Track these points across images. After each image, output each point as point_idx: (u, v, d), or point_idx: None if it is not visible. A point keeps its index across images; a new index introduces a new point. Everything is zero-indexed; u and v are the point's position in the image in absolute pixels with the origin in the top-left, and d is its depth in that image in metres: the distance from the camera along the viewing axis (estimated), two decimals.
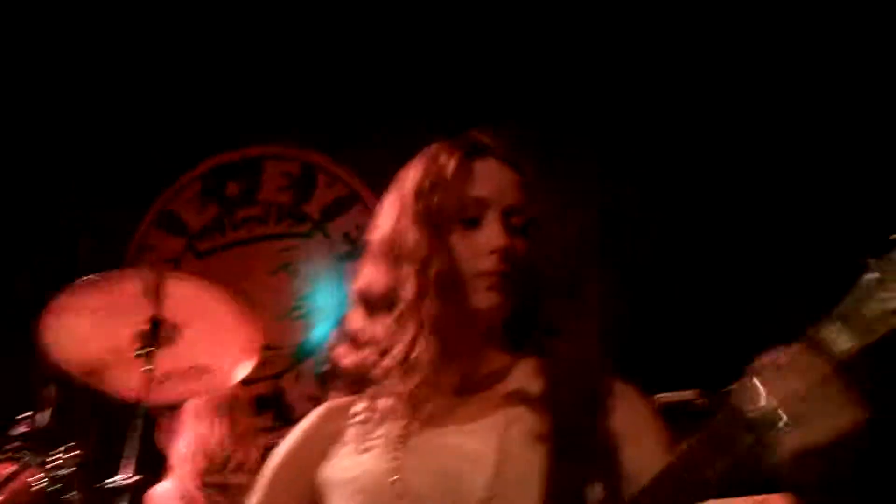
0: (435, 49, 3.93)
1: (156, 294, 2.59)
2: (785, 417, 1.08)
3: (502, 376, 1.40)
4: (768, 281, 3.65)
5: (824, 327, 1.07)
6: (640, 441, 1.32)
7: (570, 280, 1.44)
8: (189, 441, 3.09)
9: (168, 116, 4.27)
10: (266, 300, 4.11)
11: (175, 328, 2.66)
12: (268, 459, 1.48)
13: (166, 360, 2.61)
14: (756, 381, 1.11)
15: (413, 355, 1.36)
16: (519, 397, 1.36)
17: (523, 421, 1.32)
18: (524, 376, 1.39)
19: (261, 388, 3.99)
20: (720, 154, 3.71)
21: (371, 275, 1.43)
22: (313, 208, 4.27)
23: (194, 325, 2.68)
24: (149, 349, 2.55)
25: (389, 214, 1.44)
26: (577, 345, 1.40)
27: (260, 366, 3.98)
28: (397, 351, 1.37)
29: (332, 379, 1.49)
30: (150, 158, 4.30)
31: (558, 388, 1.35)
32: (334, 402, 1.48)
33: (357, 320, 1.44)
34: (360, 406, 1.43)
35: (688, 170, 3.78)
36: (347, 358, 1.45)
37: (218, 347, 2.75)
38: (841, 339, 1.06)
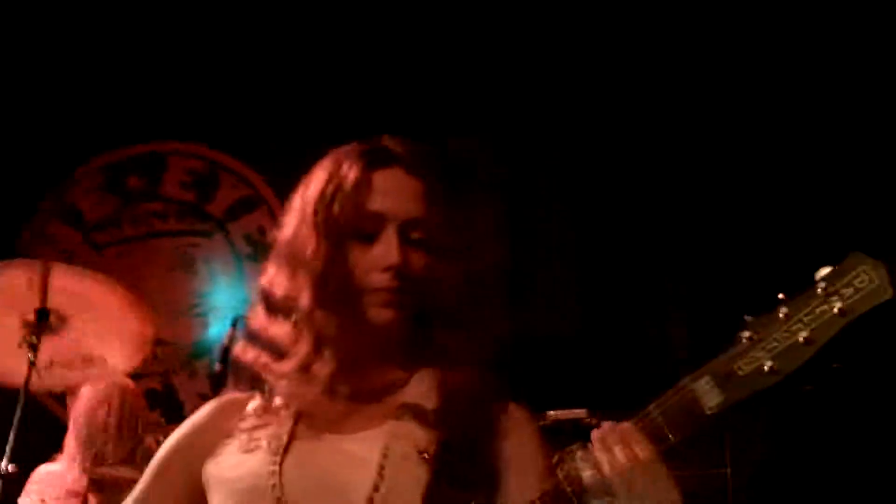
0: (343, 52, 3.96)
1: (42, 285, 2.58)
2: (615, 488, 1.14)
3: (396, 388, 1.40)
4: (658, 305, 3.77)
5: (696, 381, 1.11)
6: (525, 470, 1.32)
7: (467, 297, 1.44)
8: (79, 430, 3.07)
9: (73, 105, 4.19)
10: (164, 296, 4.07)
11: (63, 318, 2.66)
12: (157, 452, 1.48)
13: (53, 348, 2.62)
14: (593, 449, 1.17)
15: (309, 366, 1.36)
16: (410, 411, 1.36)
17: (411, 435, 1.33)
18: (418, 391, 1.39)
19: (153, 384, 3.95)
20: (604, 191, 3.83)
21: (273, 276, 1.42)
22: (216, 208, 4.25)
23: (83, 315, 2.67)
24: (33, 339, 2.53)
25: (293, 217, 1.43)
26: (471, 364, 1.40)
27: (153, 361, 3.95)
28: (294, 359, 1.36)
29: (230, 374, 1.49)
30: (51, 147, 4.21)
31: (450, 406, 1.35)
32: (228, 396, 1.48)
33: (258, 319, 1.44)
34: (253, 405, 1.43)
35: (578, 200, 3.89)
36: (245, 354, 1.44)
37: (107, 338, 2.75)
38: (712, 395, 1.10)
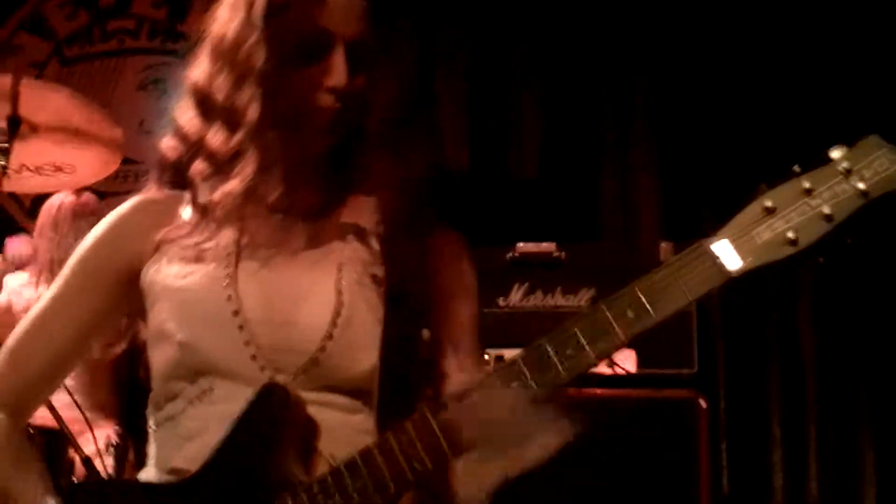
0: None
1: (13, 95, 2.57)
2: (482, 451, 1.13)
3: (333, 208, 1.39)
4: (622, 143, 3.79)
5: (713, 241, 1.11)
6: (457, 292, 1.37)
7: (399, 120, 1.42)
8: (43, 246, 3.12)
9: None
10: (132, 114, 4.06)
11: (34, 127, 2.67)
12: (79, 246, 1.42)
13: (24, 154, 2.66)
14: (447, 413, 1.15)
15: (256, 187, 1.32)
16: (353, 231, 1.36)
17: (359, 258, 1.34)
18: (355, 211, 1.38)
19: (121, 203, 4.00)
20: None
21: (210, 75, 1.35)
22: (188, 27, 4.22)
23: (53, 126, 2.69)
24: (4, 144, 2.58)
25: (234, 14, 1.34)
26: (400, 186, 1.39)
27: (121, 179, 3.99)
28: (239, 179, 1.32)
29: (153, 169, 1.42)
30: None
31: (393, 229, 1.35)
32: (151, 194, 1.42)
33: (190, 118, 1.37)
34: (186, 210, 1.38)
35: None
36: (173, 152, 1.39)
37: (76, 149, 2.79)
38: (731, 258, 1.10)
